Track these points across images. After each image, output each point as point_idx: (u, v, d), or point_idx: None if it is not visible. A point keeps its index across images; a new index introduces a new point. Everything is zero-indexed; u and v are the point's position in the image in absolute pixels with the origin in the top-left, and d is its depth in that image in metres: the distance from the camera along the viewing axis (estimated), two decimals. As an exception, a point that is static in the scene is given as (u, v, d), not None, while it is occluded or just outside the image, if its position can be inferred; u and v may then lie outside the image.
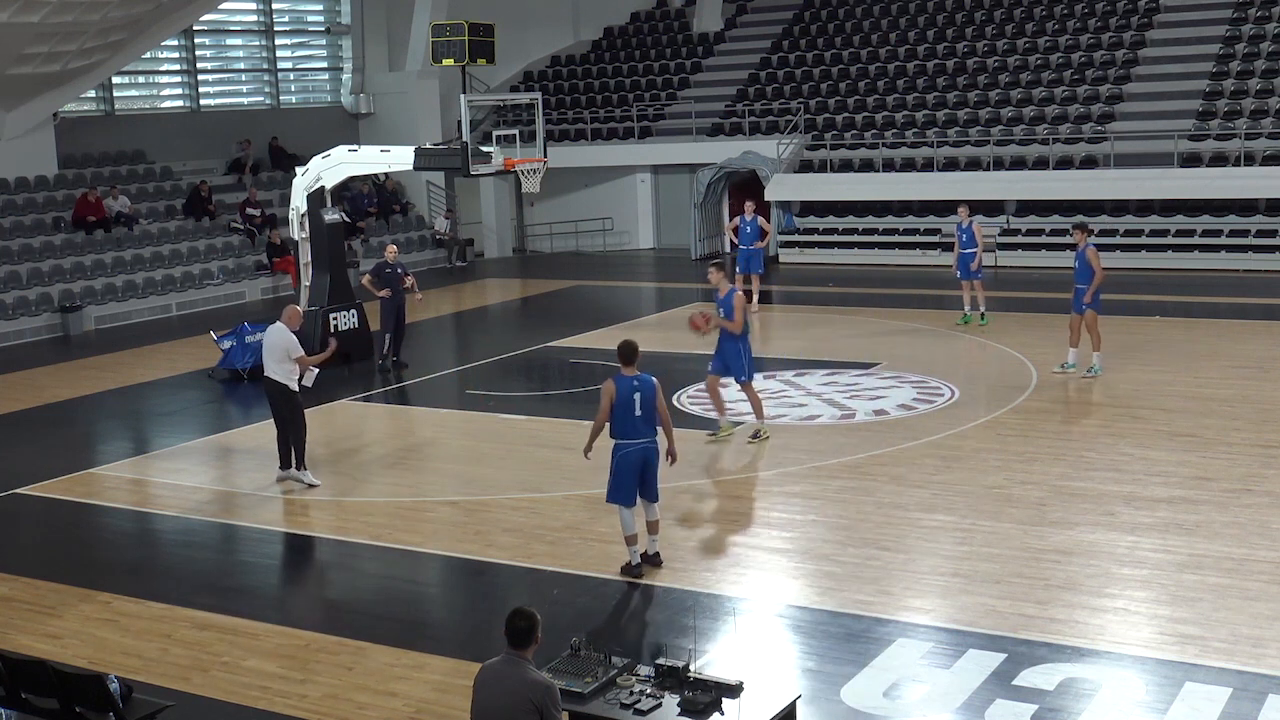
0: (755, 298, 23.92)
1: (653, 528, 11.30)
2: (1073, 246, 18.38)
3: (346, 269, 22.11)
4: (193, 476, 15.08)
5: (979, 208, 29.23)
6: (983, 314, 21.65)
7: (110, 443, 17.19)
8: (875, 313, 23.67)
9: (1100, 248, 27.71)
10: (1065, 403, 16.65)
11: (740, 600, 10.62)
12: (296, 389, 13.99)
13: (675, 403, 17.21)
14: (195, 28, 31.51)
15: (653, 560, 11.28)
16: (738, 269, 24.00)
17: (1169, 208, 28.22)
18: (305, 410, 14.30)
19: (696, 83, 36.35)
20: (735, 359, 15.02)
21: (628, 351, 11.10)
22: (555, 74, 38.30)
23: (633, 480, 10.98)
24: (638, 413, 10.87)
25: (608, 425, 10.94)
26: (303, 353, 13.99)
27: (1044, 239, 28.64)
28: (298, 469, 14.18)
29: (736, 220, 24.07)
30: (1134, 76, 31.15)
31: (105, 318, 25.92)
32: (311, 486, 14.06)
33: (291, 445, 14.15)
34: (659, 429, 11.06)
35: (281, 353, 13.88)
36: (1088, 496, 12.73)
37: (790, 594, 10.71)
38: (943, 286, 24.88)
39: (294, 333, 13.98)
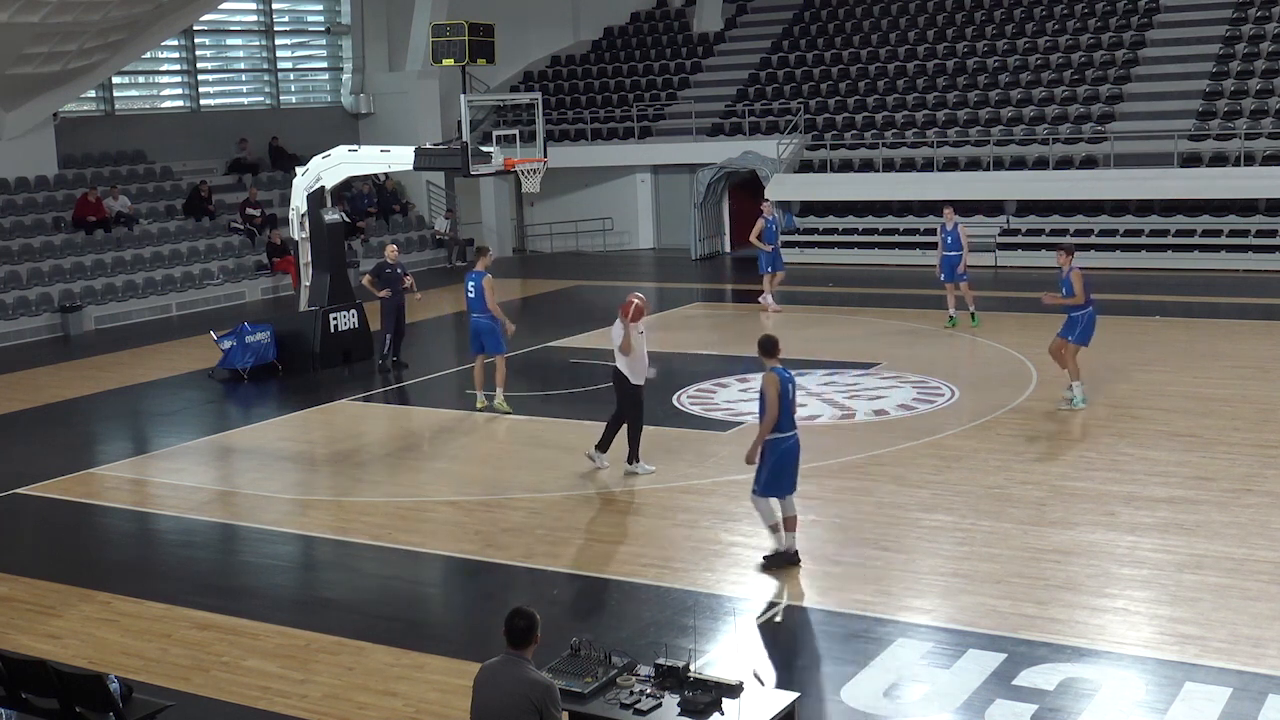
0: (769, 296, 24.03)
1: (790, 524, 11.23)
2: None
3: (346, 269, 22.13)
4: (193, 476, 15.08)
5: (979, 208, 29.32)
6: (973, 314, 21.62)
7: (110, 443, 17.18)
8: (875, 313, 23.66)
9: (1100, 248, 28.08)
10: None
11: (740, 600, 10.62)
12: (633, 380, 13.93)
13: (675, 403, 17.23)
14: (195, 28, 31.49)
15: (792, 558, 11.16)
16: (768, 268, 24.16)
17: (1169, 208, 28.21)
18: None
19: (696, 83, 36.34)
20: (491, 338, 16.80)
21: (769, 345, 11.15)
22: (555, 74, 38.28)
23: (795, 471, 11.14)
24: (796, 403, 11.12)
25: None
26: (621, 340, 13.90)
27: (1044, 239, 28.61)
28: (630, 461, 14.12)
29: (761, 224, 23.92)
30: (1134, 76, 31.14)
31: (105, 318, 25.91)
32: (641, 474, 14.03)
33: (628, 435, 14.12)
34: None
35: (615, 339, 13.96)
36: (1088, 496, 12.73)
37: (790, 594, 10.70)
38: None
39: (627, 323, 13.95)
